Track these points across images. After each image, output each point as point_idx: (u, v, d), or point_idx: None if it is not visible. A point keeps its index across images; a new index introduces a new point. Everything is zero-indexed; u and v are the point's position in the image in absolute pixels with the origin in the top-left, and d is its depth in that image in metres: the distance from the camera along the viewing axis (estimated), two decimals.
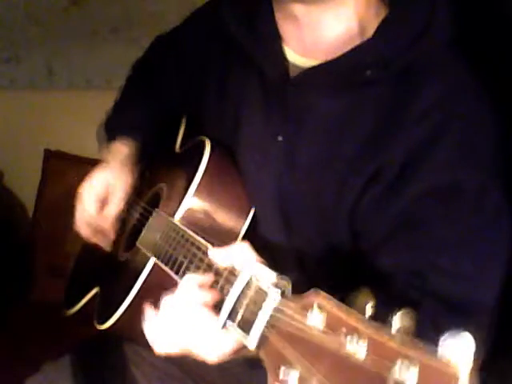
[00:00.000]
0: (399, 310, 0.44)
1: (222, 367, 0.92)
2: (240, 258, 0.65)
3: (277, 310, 0.54)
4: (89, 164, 1.03)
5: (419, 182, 0.71)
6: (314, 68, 0.78)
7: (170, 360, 0.93)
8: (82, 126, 1.74)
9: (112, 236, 1.00)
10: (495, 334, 0.71)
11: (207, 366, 0.93)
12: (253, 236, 0.84)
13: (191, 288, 0.67)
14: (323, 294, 0.49)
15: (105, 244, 1.01)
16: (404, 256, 0.71)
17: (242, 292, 0.60)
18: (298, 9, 0.77)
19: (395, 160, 0.72)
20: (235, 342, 0.64)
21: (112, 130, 1.06)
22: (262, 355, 0.53)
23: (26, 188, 1.88)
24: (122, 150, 1.01)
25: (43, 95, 1.91)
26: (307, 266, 0.82)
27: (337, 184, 0.77)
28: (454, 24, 0.75)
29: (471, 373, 0.39)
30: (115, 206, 0.98)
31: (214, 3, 0.96)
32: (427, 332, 0.64)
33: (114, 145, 1.02)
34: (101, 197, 0.97)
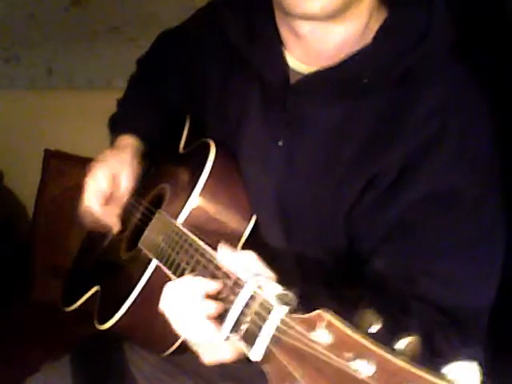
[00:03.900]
0: (406, 334, 0.44)
1: (222, 366, 0.93)
2: (246, 266, 0.64)
3: (283, 324, 0.53)
4: (89, 164, 1.02)
5: (416, 187, 0.71)
6: (313, 74, 0.78)
7: (170, 359, 0.93)
8: (81, 125, 1.75)
9: (113, 228, 0.98)
10: (495, 334, 0.72)
11: (207, 365, 0.93)
12: (253, 240, 0.84)
13: (198, 291, 0.65)
14: (331, 313, 0.49)
15: (111, 223, 0.98)
16: (398, 260, 0.71)
17: (247, 304, 0.59)
18: (304, 27, 0.76)
19: (393, 165, 0.72)
20: (235, 351, 0.64)
21: (116, 128, 1.06)
22: (266, 368, 0.53)
23: (26, 188, 1.87)
24: (129, 143, 1.01)
25: (43, 95, 1.92)
26: (306, 270, 0.82)
27: (335, 189, 0.77)
28: (453, 28, 0.75)
29: None
30: (118, 199, 0.96)
31: (215, 6, 0.95)
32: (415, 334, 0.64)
33: (119, 141, 1.02)
34: (103, 191, 0.95)
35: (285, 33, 0.81)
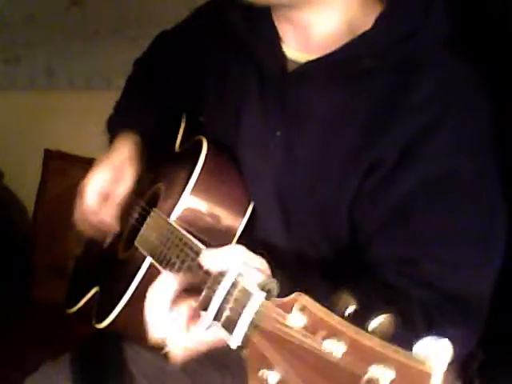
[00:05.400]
0: (380, 314, 0.44)
1: (221, 364, 0.93)
2: (230, 260, 0.63)
3: (260, 310, 0.54)
4: (89, 164, 1.03)
5: (416, 171, 0.72)
6: (311, 61, 0.79)
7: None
8: (81, 125, 1.75)
9: (112, 229, 0.98)
10: (495, 333, 0.72)
11: (206, 364, 0.94)
12: (251, 234, 0.84)
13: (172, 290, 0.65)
14: (306, 296, 0.49)
15: (103, 237, 1.00)
16: (400, 243, 0.72)
17: (228, 292, 0.60)
18: (284, 11, 0.79)
19: (392, 151, 0.73)
20: (213, 341, 0.63)
21: (115, 129, 1.05)
22: (244, 355, 0.53)
23: (26, 188, 1.88)
24: (126, 144, 1.00)
25: (43, 95, 1.92)
26: (306, 262, 0.83)
27: (335, 176, 0.77)
28: (450, 22, 0.76)
29: (446, 372, 0.39)
30: (117, 199, 0.96)
31: (217, 2, 0.97)
32: (418, 321, 0.65)
33: (118, 140, 1.01)
34: (103, 191, 0.95)
35: (280, 25, 0.83)
